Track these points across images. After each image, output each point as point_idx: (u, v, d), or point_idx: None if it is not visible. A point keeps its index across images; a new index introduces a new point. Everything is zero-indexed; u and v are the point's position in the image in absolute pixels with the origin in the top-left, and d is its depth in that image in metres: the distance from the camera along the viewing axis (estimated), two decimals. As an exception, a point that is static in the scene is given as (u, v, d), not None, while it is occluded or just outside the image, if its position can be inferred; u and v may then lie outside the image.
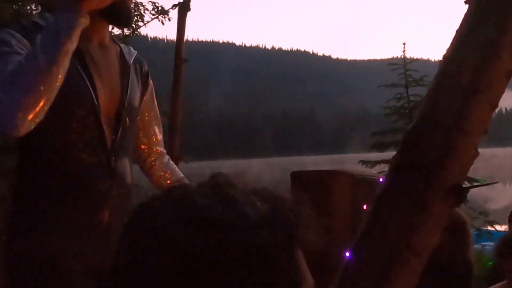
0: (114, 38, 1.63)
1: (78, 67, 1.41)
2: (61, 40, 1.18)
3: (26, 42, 1.32)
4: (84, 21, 1.23)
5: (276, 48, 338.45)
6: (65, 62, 1.20)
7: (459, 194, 1.08)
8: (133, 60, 1.58)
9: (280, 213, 0.50)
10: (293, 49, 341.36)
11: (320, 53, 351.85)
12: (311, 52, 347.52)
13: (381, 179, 1.26)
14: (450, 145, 1.10)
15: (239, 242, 0.46)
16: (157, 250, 0.46)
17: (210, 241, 0.46)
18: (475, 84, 1.09)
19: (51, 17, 1.41)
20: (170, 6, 3.27)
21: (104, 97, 1.45)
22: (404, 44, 9.10)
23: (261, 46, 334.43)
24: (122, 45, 1.58)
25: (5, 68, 1.22)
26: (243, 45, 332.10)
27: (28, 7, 8.38)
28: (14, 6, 6.83)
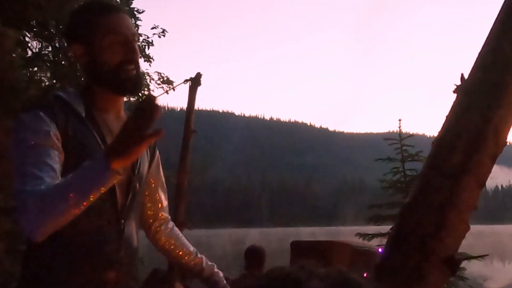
0: (127, 111, 1.74)
1: (96, 137, 1.52)
2: (92, 192, 1.27)
3: (52, 124, 1.41)
4: (117, 178, 1.28)
5: (275, 118, 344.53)
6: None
7: (453, 265, 1.17)
8: None
9: None
10: (291, 120, 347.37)
11: (317, 125, 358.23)
12: (308, 124, 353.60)
13: (380, 250, 1.35)
14: (443, 220, 1.21)
15: None
16: None
17: None
18: (464, 165, 1.22)
19: (72, 96, 1.52)
20: (182, 81, 3.49)
21: None
22: (399, 120, 9.43)
23: (259, 117, 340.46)
24: None
25: (27, 167, 1.32)
26: (242, 115, 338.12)
27: (38, 75, 8.75)
28: (27, 73, 7.17)
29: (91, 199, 1.27)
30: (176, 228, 1.86)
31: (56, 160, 1.37)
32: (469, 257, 1.13)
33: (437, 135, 1.37)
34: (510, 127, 1.30)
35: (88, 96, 1.55)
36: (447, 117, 1.37)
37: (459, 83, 1.37)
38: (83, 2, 1.65)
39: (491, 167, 1.30)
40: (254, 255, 4.03)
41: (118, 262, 1.53)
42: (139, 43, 8.99)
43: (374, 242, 8.30)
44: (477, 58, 1.33)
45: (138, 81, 1.57)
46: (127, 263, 1.57)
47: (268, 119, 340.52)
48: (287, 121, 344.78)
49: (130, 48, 1.53)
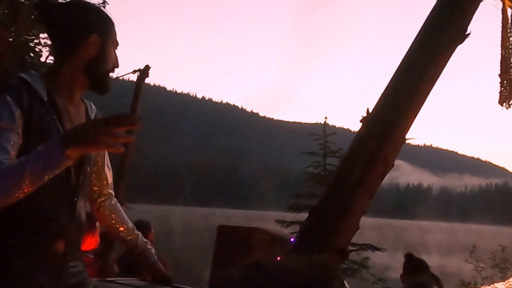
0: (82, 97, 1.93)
1: (57, 122, 1.68)
2: (46, 175, 1.42)
3: (17, 108, 1.53)
4: (69, 163, 1.41)
5: (207, 98, 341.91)
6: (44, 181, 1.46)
7: (343, 254, 1.57)
8: (94, 116, 1.83)
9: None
10: (223, 102, 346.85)
11: (248, 109, 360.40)
12: (240, 107, 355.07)
13: (292, 239, 1.70)
14: (340, 221, 1.59)
15: None
16: None
17: None
18: (360, 181, 1.61)
19: (34, 79, 1.64)
20: (131, 71, 3.64)
21: None
22: (326, 118, 10.05)
23: (191, 94, 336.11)
24: (86, 102, 1.85)
25: None
26: (174, 90, 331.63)
27: None
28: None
29: (45, 179, 1.42)
30: (118, 205, 2.03)
31: (13, 145, 1.48)
32: (353, 250, 1.52)
33: (345, 153, 1.75)
34: (397, 154, 1.72)
35: (54, 81, 1.67)
36: (353, 140, 1.76)
37: (365, 115, 1.76)
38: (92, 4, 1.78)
39: (380, 183, 1.71)
40: (139, 228, 4.18)
41: (68, 235, 1.71)
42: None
43: (291, 228, 8.88)
44: (379, 98, 1.73)
45: (110, 87, 1.80)
46: (76, 237, 1.77)
47: (200, 98, 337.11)
48: (218, 101, 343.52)
49: (117, 58, 1.78)
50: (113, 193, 2.02)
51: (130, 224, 2.03)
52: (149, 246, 2.10)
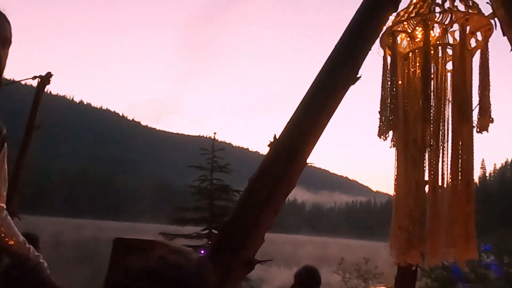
0: None
1: None
2: None
3: None
4: None
5: (85, 102, 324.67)
6: None
7: (250, 265, 1.76)
8: None
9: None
10: (103, 107, 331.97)
11: (130, 117, 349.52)
12: (121, 115, 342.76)
13: (202, 251, 1.84)
14: (249, 235, 1.78)
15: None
16: None
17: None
18: (267, 199, 1.82)
19: None
20: (31, 76, 3.44)
21: None
22: (215, 133, 10.30)
23: (68, 97, 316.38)
24: None
25: None
26: (48, 92, 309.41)
27: None
28: None
29: None
30: (9, 218, 2.00)
31: None
32: (260, 261, 1.72)
33: (253, 175, 1.96)
34: (298, 177, 1.97)
35: None
36: (261, 162, 1.98)
37: (272, 140, 1.99)
38: None
39: (284, 201, 1.94)
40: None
41: None
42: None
43: (176, 241, 8.89)
44: (284, 127, 1.97)
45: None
46: None
47: (77, 101, 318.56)
48: (98, 107, 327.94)
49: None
50: (4, 206, 1.99)
51: (21, 238, 2.00)
52: (41, 260, 2.07)
